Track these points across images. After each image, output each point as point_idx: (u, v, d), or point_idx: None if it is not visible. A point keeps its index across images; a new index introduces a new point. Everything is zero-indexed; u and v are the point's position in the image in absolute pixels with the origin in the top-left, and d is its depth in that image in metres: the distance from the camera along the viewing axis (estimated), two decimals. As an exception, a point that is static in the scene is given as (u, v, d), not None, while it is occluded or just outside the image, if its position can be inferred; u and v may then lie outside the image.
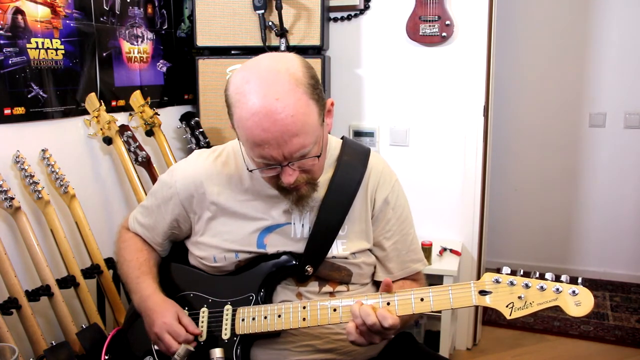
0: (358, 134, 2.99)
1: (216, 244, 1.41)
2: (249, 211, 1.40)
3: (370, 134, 2.97)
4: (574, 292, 1.09)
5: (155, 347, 1.41)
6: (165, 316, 1.34)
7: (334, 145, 1.45)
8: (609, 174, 3.78)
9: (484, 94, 2.76)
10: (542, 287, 1.12)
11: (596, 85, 3.72)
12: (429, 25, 2.72)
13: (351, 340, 1.22)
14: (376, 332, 1.19)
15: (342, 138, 1.50)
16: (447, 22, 2.69)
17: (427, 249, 2.63)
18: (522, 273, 1.16)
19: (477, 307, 2.91)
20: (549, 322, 3.26)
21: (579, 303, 1.09)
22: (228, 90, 1.23)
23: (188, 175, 1.45)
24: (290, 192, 1.30)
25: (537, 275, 1.14)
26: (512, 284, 1.14)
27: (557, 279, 1.12)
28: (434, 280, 2.61)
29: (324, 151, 1.30)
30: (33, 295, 1.80)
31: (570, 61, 3.75)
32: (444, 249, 2.80)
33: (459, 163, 2.85)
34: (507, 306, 1.14)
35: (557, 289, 1.10)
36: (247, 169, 1.31)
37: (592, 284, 3.69)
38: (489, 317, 3.27)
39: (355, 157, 1.44)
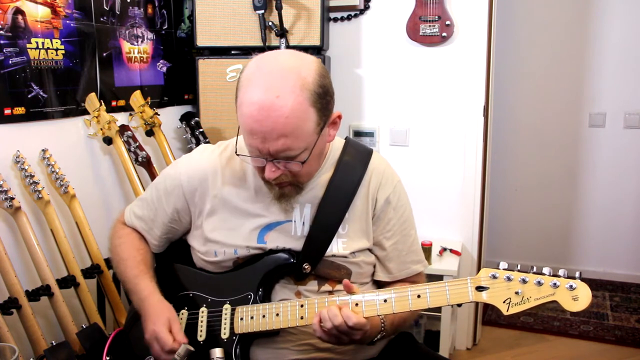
0: (358, 134, 2.99)
1: (217, 239, 1.41)
2: (250, 207, 1.41)
3: (370, 134, 2.97)
4: (571, 286, 1.09)
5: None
6: (156, 323, 1.33)
7: (337, 145, 1.46)
8: (609, 174, 3.78)
9: (484, 94, 2.76)
10: (539, 282, 1.11)
11: (596, 85, 3.72)
12: (429, 25, 2.72)
13: (318, 336, 1.24)
14: (344, 333, 1.20)
15: (345, 139, 1.51)
16: (447, 22, 2.69)
17: (427, 249, 2.63)
18: (519, 268, 1.16)
19: (476, 306, 2.91)
20: (548, 322, 3.26)
21: (576, 298, 1.09)
22: (242, 73, 1.25)
23: (193, 168, 1.45)
24: (273, 187, 1.33)
25: (534, 270, 1.14)
26: (509, 279, 1.14)
27: (555, 274, 1.12)
28: (434, 280, 2.60)
29: (315, 160, 1.31)
30: (33, 295, 1.80)
31: (570, 61, 3.75)
32: (444, 249, 2.80)
33: (459, 163, 2.86)
34: (504, 302, 1.14)
35: (555, 284, 1.10)
36: (235, 152, 1.33)
37: (592, 284, 3.68)
38: (489, 317, 3.27)
39: (356, 158, 1.45)
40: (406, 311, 1.24)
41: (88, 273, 2.01)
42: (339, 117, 1.33)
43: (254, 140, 1.21)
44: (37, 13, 1.93)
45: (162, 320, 1.33)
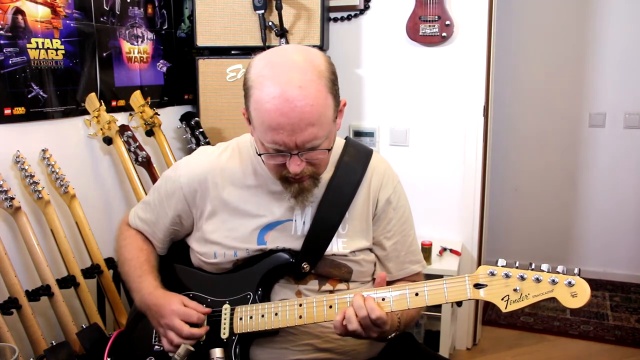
0: (358, 134, 2.99)
1: (217, 240, 1.41)
2: (251, 207, 1.40)
3: (370, 134, 2.97)
4: (570, 283, 1.09)
5: (157, 348, 1.41)
6: (172, 304, 1.34)
7: (337, 145, 1.46)
8: (609, 174, 3.78)
9: (484, 94, 2.76)
10: (537, 279, 1.11)
11: (596, 85, 3.72)
12: (429, 25, 2.72)
13: (338, 333, 1.23)
14: (365, 326, 1.20)
15: (345, 138, 1.51)
16: (447, 22, 2.69)
17: (427, 249, 2.63)
18: (517, 265, 1.15)
19: (476, 306, 2.91)
20: (548, 322, 3.26)
21: (575, 294, 1.08)
22: (249, 73, 1.24)
23: (192, 170, 1.45)
24: (292, 184, 1.31)
25: (533, 267, 1.14)
26: (507, 276, 1.14)
27: (553, 270, 1.12)
28: (434, 280, 2.61)
29: (332, 148, 1.31)
30: (33, 295, 1.80)
31: (570, 61, 3.75)
32: (444, 249, 2.80)
33: (459, 163, 2.86)
34: (502, 299, 1.13)
35: (553, 280, 1.10)
36: (256, 152, 1.32)
37: (592, 284, 3.64)
38: (489, 317, 3.27)
39: (356, 158, 1.45)
40: (406, 308, 1.23)
41: (88, 273, 2.01)
42: (344, 104, 1.33)
43: (279, 135, 1.19)
44: (37, 13, 1.93)
45: (176, 300, 1.36)
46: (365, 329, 1.20)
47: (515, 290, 1.13)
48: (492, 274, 1.15)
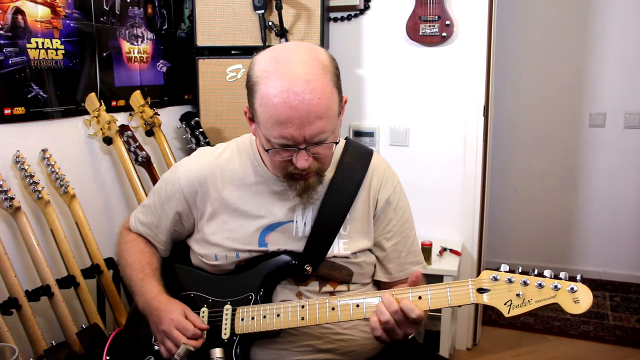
0: (358, 134, 2.99)
1: (218, 242, 1.41)
2: (251, 208, 1.40)
3: (370, 134, 2.97)
4: (572, 289, 1.09)
5: (157, 347, 1.41)
6: (172, 313, 1.34)
7: (338, 145, 1.45)
8: (609, 174, 3.78)
9: (484, 94, 2.76)
10: (540, 285, 1.11)
11: (596, 85, 3.72)
12: (429, 25, 2.72)
13: (376, 335, 1.22)
14: (399, 322, 1.19)
15: (345, 139, 1.51)
16: (447, 22, 2.69)
17: (427, 249, 2.63)
18: (520, 271, 1.16)
19: (477, 306, 2.91)
20: (549, 322, 3.26)
21: (577, 300, 1.08)
22: (253, 70, 1.25)
23: (192, 172, 1.45)
24: (297, 181, 1.31)
25: (536, 272, 1.14)
26: (510, 281, 1.14)
27: (556, 276, 1.12)
28: (434, 280, 2.61)
29: (337, 142, 1.32)
30: (33, 295, 1.80)
31: (570, 61, 3.75)
32: (444, 249, 2.80)
33: (459, 163, 2.85)
34: (505, 304, 1.14)
35: (556, 287, 1.10)
36: (263, 147, 1.31)
37: (592, 284, 3.69)
38: (489, 317, 3.27)
39: (356, 158, 1.45)
40: None
41: (88, 273, 2.01)
42: (346, 101, 1.34)
43: (287, 129, 1.20)
44: (37, 13, 1.92)
45: (178, 310, 1.35)
46: (400, 324, 1.19)
47: (518, 295, 1.13)
48: (495, 279, 1.15)
